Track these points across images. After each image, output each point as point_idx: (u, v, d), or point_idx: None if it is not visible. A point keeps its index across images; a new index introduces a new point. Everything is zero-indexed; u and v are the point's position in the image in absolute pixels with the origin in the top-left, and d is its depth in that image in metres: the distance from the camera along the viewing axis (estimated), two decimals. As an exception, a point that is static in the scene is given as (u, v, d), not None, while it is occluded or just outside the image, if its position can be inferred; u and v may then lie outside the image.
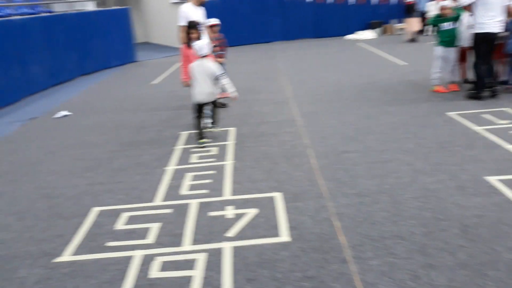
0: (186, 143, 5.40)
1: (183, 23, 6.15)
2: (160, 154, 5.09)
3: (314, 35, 15.82)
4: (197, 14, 6.25)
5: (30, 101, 8.64)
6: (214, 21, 6.80)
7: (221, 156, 4.89)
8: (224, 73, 6.96)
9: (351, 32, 15.37)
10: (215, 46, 6.59)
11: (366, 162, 4.37)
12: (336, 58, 11.34)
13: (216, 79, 5.19)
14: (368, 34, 15.02)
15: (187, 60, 5.78)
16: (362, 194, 3.71)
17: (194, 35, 5.76)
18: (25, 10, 10.93)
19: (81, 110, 7.59)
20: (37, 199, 4.12)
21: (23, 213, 3.86)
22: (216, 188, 4.07)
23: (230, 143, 5.29)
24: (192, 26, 5.77)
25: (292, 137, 5.30)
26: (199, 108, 5.25)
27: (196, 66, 5.17)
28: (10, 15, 9.71)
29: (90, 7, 13.29)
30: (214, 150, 5.08)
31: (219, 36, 6.84)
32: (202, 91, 5.16)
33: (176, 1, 15.55)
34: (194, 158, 4.90)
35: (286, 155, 4.74)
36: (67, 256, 3.15)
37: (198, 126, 5.26)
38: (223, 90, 6.94)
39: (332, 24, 15.65)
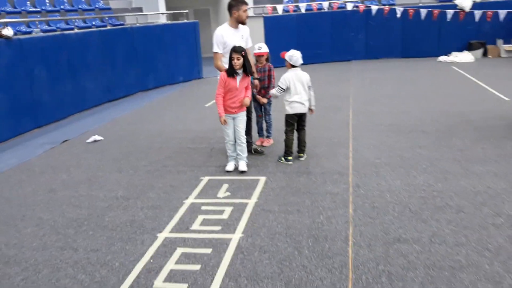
0: (199, 196, 4.35)
1: (218, 49, 5.13)
2: (157, 213, 4.10)
3: (401, 55, 13.98)
4: (236, 37, 5.14)
5: (77, 119, 8.27)
6: (263, 48, 5.61)
7: (230, 224, 3.74)
8: (270, 115, 5.85)
9: (446, 53, 13.29)
10: (259, 80, 5.46)
11: (434, 267, 2.94)
12: (423, 84, 9.57)
13: (309, 88, 5.09)
14: (466, 56, 12.85)
15: (228, 92, 4.77)
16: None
17: (237, 62, 4.65)
18: (83, 24, 10.84)
19: (117, 134, 6.95)
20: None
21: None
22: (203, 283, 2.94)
23: (251, 202, 4.12)
24: (237, 51, 4.65)
25: (332, 203, 3.98)
26: (295, 121, 5.12)
27: (292, 75, 5.01)
28: (67, 29, 9.58)
29: (162, 20, 12.99)
30: (226, 211, 3.96)
31: (267, 67, 5.61)
32: (303, 100, 5.02)
33: (252, 15, 14.83)
34: (197, 222, 3.81)
35: (315, 234, 3.46)
36: None
37: (291, 141, 5.14)
38: (265, 136, 5.88)
39: (424, 43, 13.68)
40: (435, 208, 3.77)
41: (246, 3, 5.16)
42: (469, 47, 13.30)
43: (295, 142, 5.24)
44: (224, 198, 4.27)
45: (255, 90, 5.45)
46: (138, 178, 4.96)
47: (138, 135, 6.84)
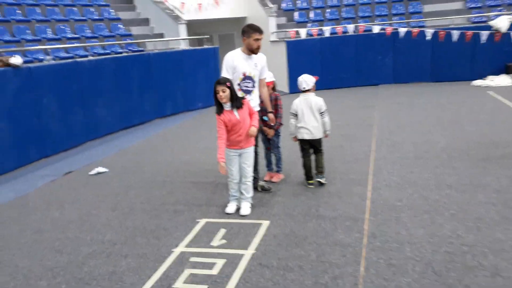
0: (191, 243, 3.85)
1: (227, 73, 4.69)
2: (140, 264, 3.63)
3: (431, 79, 13.23)
4: (248, 64, 4.72)
5: (86, 148, 8.02)
6: (269, 77, 5.14)
7: (219, 282, 3.21)
8: (278, 148, 5.36)
9: (481, 77, 12.47)
10: (269, 112, 5.00)
11: None
12: (455, 110, 8.84)
13: (321, 114, 4.95)
14: (503, 80, 11.99)
15: (231, 128, 4.26)
16: None
17: (222, 94, 4.14)
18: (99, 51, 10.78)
19: (122, 166, 6.61)
20: None
21: None
22: None
23: (248, 253, 3.60)
24: (220, 82, 4.18)
25: (341, 258, 3.40)
26: (308, 146, 5.00)
27: (300, 101, 4.93)
28: (85, 56, 9.49)
29: (182, 46, 12.85)
30: (217, 265, 3.44)
31: (273, 95, 5.15)
32: (309, 127, 4.90)
33: (275, 39, 14.53)
34: (182, 278, 3.31)
35: (315, 300, 2.89)
36: None
37: (307, 166, 5.03)
38: (274, 170, 5.37)
39: (456, 66, 12.90)
40: (464, 269, 3.13)
41: (259, 31, 4.69)
42: (507, 70, 12.44)
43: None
44: (218, 247, 3.76)
45: (267, 123, 5.00)
46: (131, 219, 4.54)
47: (143, 166, 6.47)
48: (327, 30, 13.40)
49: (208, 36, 12.71)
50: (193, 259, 3.58)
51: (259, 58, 4.84)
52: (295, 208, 4.46)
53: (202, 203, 4.82)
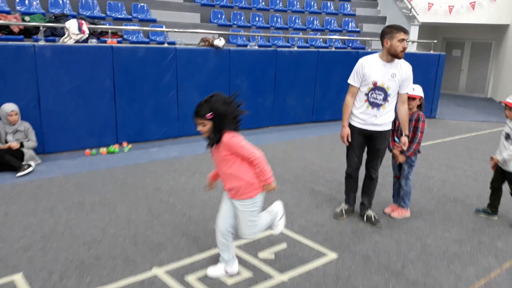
0: (244, 245, 3.66)
1: (353, 80, 4.11)
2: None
3: None
4: (384, 73, 3.97)
5: (268, 131, 8.50)
6: (416, 91, 4.25)
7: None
8: (407, 180, 4.39)
9: None
10: (403, 135, 4.17)
11: None
12: None
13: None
14: None
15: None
16: None
17: (202, 129, 2.85)
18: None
19: (274, 156, 6.75)
20: None
21: None
22: None
23: (277, 279, 3.18)
24: (200, 115, 2.83)
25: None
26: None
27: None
28: (285, 46, 9.82)
29: (410, 48, 11.81)
30: (237, 277, 3.19)
31: (415, 115, 4.26)
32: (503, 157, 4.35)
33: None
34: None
35: None
36: None
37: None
38: (399, 204, 4.47)
39: None
40: None
41: (404, 31, 3.93)
42: None
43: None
44: (262, 260, 3.46)
45: (401, 147, 4.20)
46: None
47: (288, 164, 6.45)
48: None
49: (435, 41, 11.27)
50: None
51: (402, 68, 4.03)
52: (384, 253, 3.64)
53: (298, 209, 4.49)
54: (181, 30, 8.49)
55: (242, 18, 11.15)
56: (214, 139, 2.88)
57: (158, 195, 4.82)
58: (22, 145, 5.75)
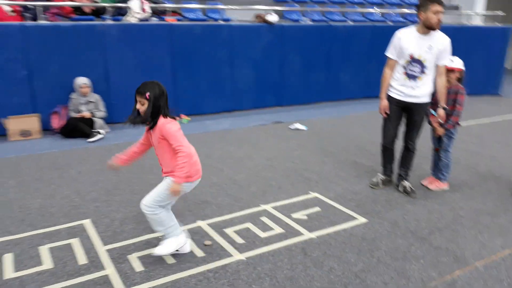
0: (278, 206, 4.01)
1: (390, 53, 4.27)
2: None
3: None
4: (420, 46, 4.08)
5: (320, 107, 8.67)
6: (455, 63, 4.28)
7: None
8: (447, 152, 4.46)
9: None
10: (444, 109, 4.25)
11: None
12: None
13: None
14: None
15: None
16: None
17: (141, 108, 2.99)
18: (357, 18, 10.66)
19: (321, 129, 6.96)
20: None
21: None
22: None
23: (307, 236, 3.50)
24: (139, 91, 2.98)
25: None
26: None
27: None
28: (340, 21, 9.74)
29: (477, 21, 11.26)
30: (271, 231, 3.54)
31: (454, 88, 4.30)
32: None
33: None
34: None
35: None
36: None
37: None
38: (438, 176, 4.54)
39: None
40: None
41: (439, 3, 3.97)
42: None
43: None
44: (295, 219, 3.80)
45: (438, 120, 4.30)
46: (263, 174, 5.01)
47: (335, 138, 6.66)
48: None
49: (503, 13, 10.60)
50: (264, 218, 3.80)
51: (438, 40, 4.09)
52: (412, 221, 3.83)
53: (344, 178, 4.74)
54: (236, 7, 8.82)
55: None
56: (147, 119, 2.94)
57: (208, 161, 5.28)
58: (93, 114, 6.48)
